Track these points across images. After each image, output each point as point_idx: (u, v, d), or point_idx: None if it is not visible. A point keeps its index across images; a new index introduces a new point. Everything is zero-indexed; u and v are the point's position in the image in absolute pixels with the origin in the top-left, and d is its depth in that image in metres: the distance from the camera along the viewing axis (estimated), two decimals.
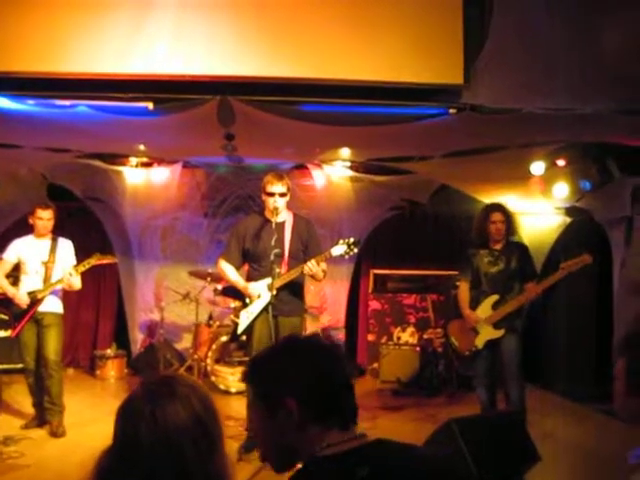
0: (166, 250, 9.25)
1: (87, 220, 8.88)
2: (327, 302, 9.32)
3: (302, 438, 1.72)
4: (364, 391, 7.95)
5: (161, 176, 8.79)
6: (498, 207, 5.71)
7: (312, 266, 5.24)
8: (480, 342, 5.46)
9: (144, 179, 8.69)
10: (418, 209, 9.04)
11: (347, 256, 5.44)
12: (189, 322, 8.73)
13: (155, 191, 8.85)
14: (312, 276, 5.39)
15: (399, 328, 8.93)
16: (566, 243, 7.20)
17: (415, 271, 9.02)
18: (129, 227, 9.03)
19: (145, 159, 8.25)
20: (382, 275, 9.16)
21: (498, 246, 5.62)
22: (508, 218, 5.63)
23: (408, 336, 8.88)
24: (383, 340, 8.81)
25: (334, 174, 8.60)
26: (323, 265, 5.36)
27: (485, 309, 5.50)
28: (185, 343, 9.04)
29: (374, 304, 9.11)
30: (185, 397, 1.55)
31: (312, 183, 8.93)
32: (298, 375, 1.73)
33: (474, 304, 5.60)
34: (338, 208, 8.99)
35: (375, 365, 8.59)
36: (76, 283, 6.05)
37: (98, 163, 7.89)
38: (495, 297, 5.49)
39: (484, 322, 5.45)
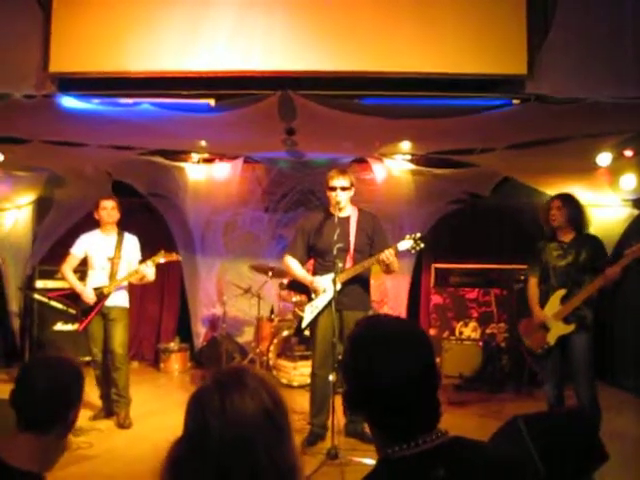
0: (228, 245, 9.34)
1: (150, 216, 9.04)
2: (388, 296, 9.28)
3: None
4: None
5: (222, 172, 8.87)
6: (558, 195, 5.52)
7: (389, 254, 5.19)
8: (552, 339, 5.27)
9: (206, 175, 8.80)
10: (480, 202, 8.91)
11: (413, 251, 5.39)
12: (251, 316, 8.80)
13: (216, 187, 8.94)
14: (387, 265, 5.30)
15: (461, 322, 8.84)
16: (634, 236, 6.99)
17: (477, 265, 8.88)
18: (191, 222, 9.16)
19: (206, 155, 8.35)
20: (444, 269, 9.07)
21: (567, 238, 5.41)
22: (569, 206, 5.39)
23: (470, 331, 8.77)
24: (445, 335, 8.73)
25: (395, 167, 8.55)
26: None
27: (553, 304, 5.32)
28: (247, 337, 9.12)
29: (436, 298, 9.04)
30: (254, 388, 1.56)
31: (372, 177, 8.89)
32: None
33: (543, 299, 5.42)
34: (399, 202, 8.92)
35: (437, 360, 8.52)
36: (150, 274, 6.15)
37: (161, 160, 8.01)
38: (563, 291, 5.30)
39: (554, 318, 5.28)
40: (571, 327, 5.22)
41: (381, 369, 1.67)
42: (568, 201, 5.43)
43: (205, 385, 1.59)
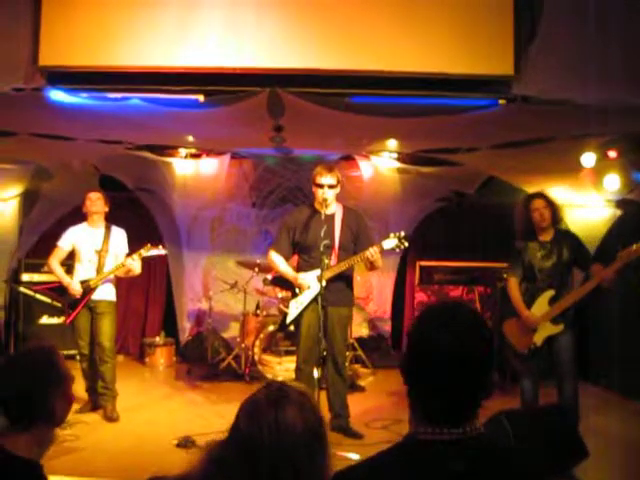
0: (215, 240, 9.36)
1: (138, 210, 9.04)
2: (373, 293, 9.34)
3: None
4: None
5: (210, 167, 8.88)
6: (538, 194, 5.51)
7: (374, 252, 5.29)
8: (539, 339, 5.25)
9: (193, 170, 8.80)
10: (466, 200, 8.98)
11: (397, 250, 5.49)
12: (237, 311, 8.82)
13: (204, 182, 8.95)
14: (371, 263, 5.42)
15: None
16: (617, 236, 7.07)
17: (462, 263, 8.91)
18: (178, 217, 9.16)
19: (194, 150, 8.36)
20: (428, 267, 9.09)
21: (547, 237, 5.41)
22: (551, 204, 5.42)
23: None
24: None
25: (381, 165, 8.59)
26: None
27: (541, 305, 5.29)
28: (232, 332, 9.13)
29: (420, 296, 9.10)
30: (300, 404, 1.72)
31: (359, 174, 8.94)
32: None
33: (529, 300, 5.37)
34: (385, 199, 8.97)
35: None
36: (136, 268, 6.17)
37: (148, 155, 7.99)
38: (551, 292, 5.27)
39: (542, 318, 5.24)
40: (559, 327, 5.21)
41: (438, 340, 1.65)
42: (549, 200, 5.45)
43: (258, 397, 1.74)
